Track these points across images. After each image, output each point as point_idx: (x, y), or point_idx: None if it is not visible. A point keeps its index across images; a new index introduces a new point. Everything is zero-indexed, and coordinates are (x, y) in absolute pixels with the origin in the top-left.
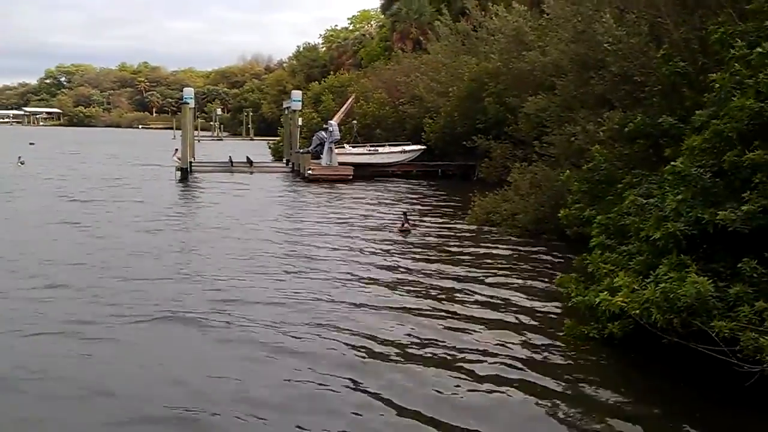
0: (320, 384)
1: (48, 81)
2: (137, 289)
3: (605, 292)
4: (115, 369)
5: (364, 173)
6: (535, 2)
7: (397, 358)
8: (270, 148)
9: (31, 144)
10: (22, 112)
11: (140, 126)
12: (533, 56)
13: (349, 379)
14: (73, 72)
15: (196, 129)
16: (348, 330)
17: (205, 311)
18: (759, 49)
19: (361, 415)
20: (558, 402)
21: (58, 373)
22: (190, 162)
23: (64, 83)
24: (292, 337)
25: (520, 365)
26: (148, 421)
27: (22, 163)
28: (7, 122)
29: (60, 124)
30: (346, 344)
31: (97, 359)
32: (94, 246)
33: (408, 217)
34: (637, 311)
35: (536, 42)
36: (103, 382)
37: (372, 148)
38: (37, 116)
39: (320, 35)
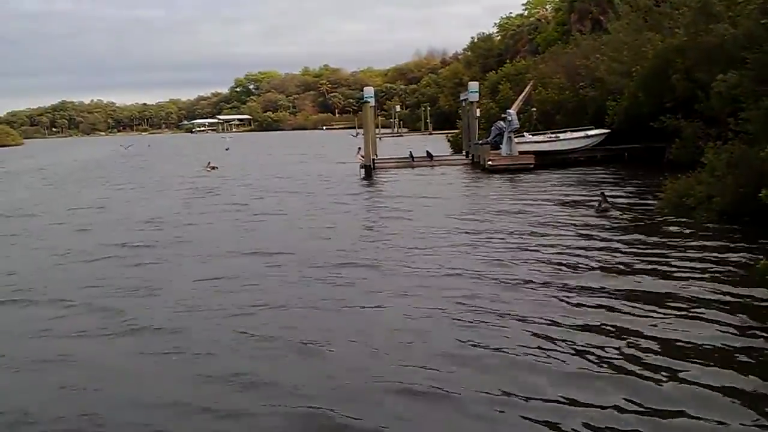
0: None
1: (238, 89)
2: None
3: None
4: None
5: (546, 161)
6: None
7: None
8: (449, 141)
9: (226, 150)
10: (216, 120)
11: (324, 127)
12: (722, 29)
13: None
14: (260, 79)
15: (377, 126)
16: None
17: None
18: None
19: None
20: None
21: None
22: (373, 159)
23: (253, 90)
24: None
25: (724, 352)
26: None
27: (212, 168)
28: (203, 130)
29: (251, 129)
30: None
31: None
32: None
33: (606, 197)
34: None
35: (725, 13)
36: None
37: (553, 135)
38: (230, 123)
39: (494, 24)
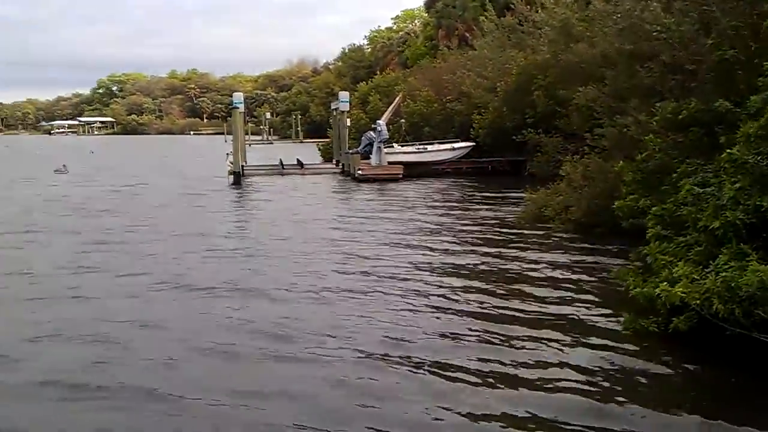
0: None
1: (101, 91)
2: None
3: (665, 283)
4: None
5: (414, 172)
6: None
7: (437, 350)
8: (319, 149)
9: (91, 152)
10: (76, 122)
11: (192, 132)
12: (581, 48)
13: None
14: (124, 81)
15: (247, 133)
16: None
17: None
18: None
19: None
20: (620, 399)
21: None
22: (242, 166)
23: (117, 92)
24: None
25: (577, 360)
26: None
27: (60, 171)
28: (62, 132)
29: (114, 133)
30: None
31: None
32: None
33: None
34: (698, 301)
35: (584, 33)
36: None
37: (421, 147)
38: (92, 126)
39: (365, 36)
